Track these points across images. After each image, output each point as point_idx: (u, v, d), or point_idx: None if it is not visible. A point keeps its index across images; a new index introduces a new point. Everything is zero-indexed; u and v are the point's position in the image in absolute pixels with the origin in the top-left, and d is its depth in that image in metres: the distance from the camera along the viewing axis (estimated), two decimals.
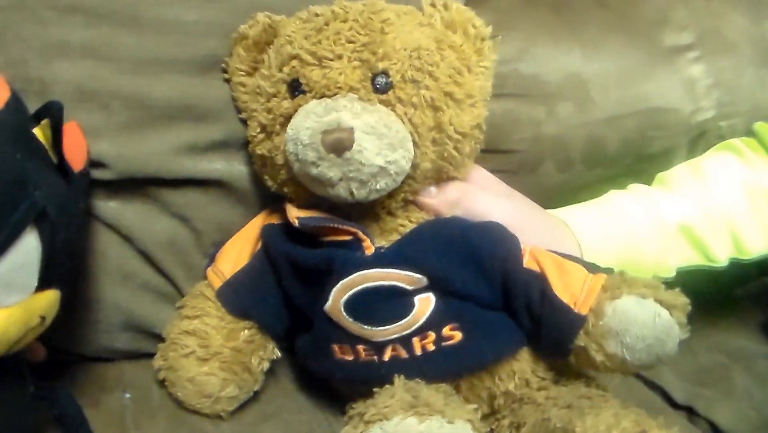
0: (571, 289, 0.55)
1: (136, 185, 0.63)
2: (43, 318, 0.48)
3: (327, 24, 0.56)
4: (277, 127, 0.57)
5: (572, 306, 0.54)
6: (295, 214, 0.57)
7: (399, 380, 0.54)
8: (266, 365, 0.63)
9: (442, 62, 0.57)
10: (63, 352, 0.64)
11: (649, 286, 0.53)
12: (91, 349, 0.64)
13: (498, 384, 0.58)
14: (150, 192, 0.63)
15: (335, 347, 0.57)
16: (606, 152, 0.74)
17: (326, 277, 0.56)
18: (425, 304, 0.55)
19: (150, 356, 0.64)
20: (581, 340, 0.54)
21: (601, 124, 0.72)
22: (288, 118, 0.55)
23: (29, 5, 0.59)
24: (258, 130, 0.59)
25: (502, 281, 0.56)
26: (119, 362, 0.65)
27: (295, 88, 0.56)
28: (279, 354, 0.63)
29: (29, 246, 0.45)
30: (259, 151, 0.59)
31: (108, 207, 0.62)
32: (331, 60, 0.54)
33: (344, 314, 0.55)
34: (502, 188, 0.64)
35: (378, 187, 0.53)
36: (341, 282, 0.55)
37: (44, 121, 0.48)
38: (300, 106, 0.55)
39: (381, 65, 0.54)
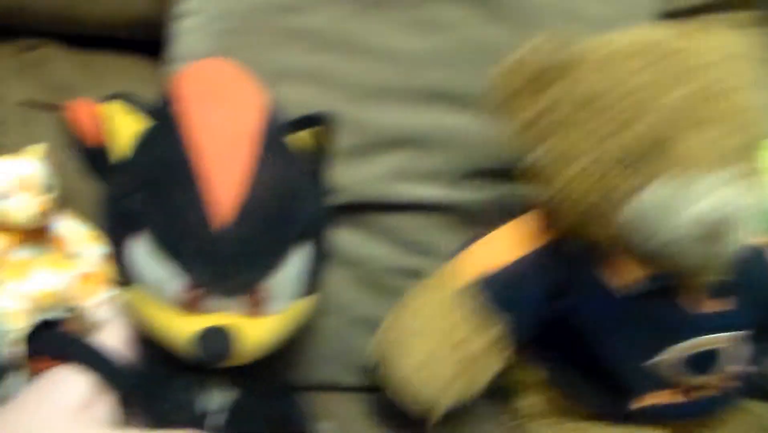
0: None
1: (355, 211, 0.61)
2: (299, 322, 0.48)
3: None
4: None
5: None
6: (641, 273, 0.50)
7: None
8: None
9: None
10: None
11: None
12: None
13: None
14: (369, 219, 0.62)
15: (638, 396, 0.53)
16: None
17: (648, 331, 0.51)
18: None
19: (351, 390, 0.62)
20: None
21: None
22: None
23: (255, 29, 0.61)
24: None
25: None
26: (316, 393, 0.62)
27: None
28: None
29: (300, 258, 0.44)
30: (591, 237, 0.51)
31: None
32: None
33: (675, 368, 0.51)
34: None
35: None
36: (684, 344, 0.50)
37: (315, 129, 0.47)
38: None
39: None
